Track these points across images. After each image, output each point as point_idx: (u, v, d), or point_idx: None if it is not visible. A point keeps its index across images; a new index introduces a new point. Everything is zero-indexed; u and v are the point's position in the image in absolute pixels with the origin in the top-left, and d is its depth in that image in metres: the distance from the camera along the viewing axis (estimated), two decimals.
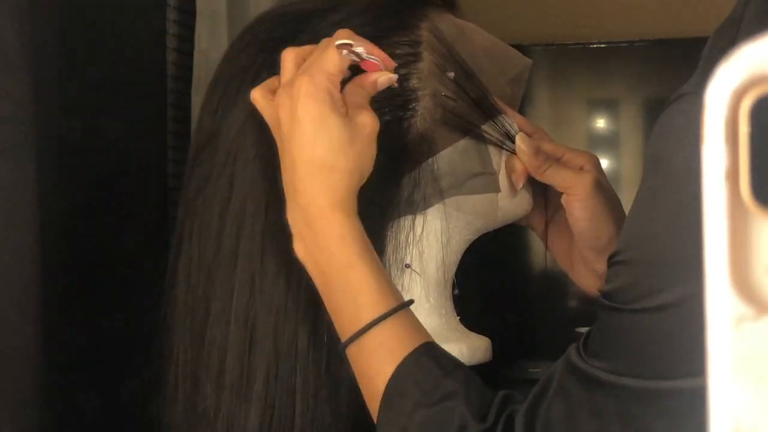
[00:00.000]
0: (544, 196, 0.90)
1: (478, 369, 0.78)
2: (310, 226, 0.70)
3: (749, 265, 0.27)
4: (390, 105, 0.79)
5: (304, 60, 0.73)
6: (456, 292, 0.87)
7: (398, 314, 0.70)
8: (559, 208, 0.87)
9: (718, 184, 0.27)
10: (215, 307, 0.78)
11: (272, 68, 0.78)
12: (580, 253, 0.87)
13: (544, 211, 0.90)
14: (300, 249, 0.72)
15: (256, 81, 0.78)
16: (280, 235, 0.75)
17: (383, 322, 0.69)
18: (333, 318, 0.72)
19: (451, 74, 0.82)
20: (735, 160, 0.27)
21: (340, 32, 0.73)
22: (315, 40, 0.78)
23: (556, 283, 2.51)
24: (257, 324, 0.76)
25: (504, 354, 0.91)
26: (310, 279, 0.73)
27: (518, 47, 0.91)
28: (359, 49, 0.72)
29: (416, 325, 0.72)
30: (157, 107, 1.58)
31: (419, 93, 0.80)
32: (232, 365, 0.77)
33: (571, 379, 0.65)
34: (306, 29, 0.80)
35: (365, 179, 0.73)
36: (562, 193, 0.85)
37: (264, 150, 0.76)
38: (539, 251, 2.52)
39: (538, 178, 0.84)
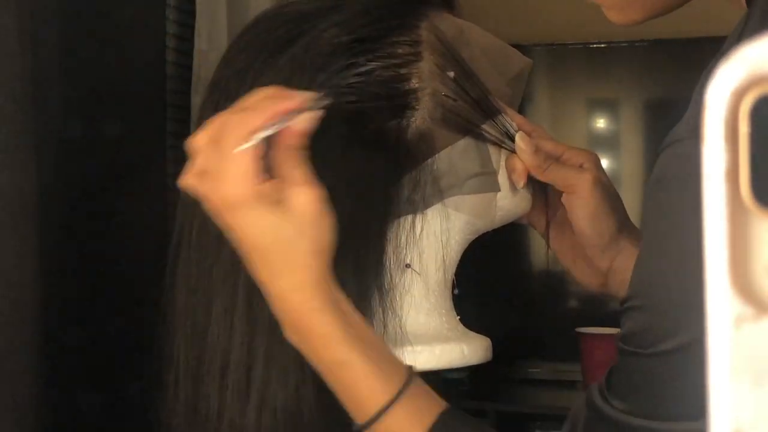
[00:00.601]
0: (545, 194, 0.90)
1: (479, 368, 0.78)
2: (290, 324, 0.68)
3: (749, 265, 0.27)
4: (390, 105, 0.79)
5: (218, 135, 0.66)
6: (456, 291, 0.87)
7: (406, 391, 0.68)
8: (560, 206, 0.87)
9: (718, 184, 0.27)
10: (216, 307, 0.78)
11: (272, 69, 0.78)
12: (582, 251, 0.87)
13: (546, 209, 0.90)
14: (290, 338, 0.69)
15: (255, 82, 0.78)
16: None
17: (391, 407, 0.67)
18: (343, 403, 0.69)
19: (451, 74, 0.82)
20: (735, 160, 0.27)
21: (233, 130, 0.65)
22: (315, 41, 0.78)
23: (556, 283, 2.51)
24: (258, 324, 0.76)
25: (504, 354, 0.92)
26: None
27: (518, 47, 0.91)
28: (264, 134, 0.64)
29: (426, 396, 0.71)
30: (157, 107, 1.58)
31: (419, 93, 0.80)
32: (235, 366, 0.77)
33: (598, 424, 0.66)
34: (306, 30, 0.80)
35: (330, 253, 0.68)
36: (563, 192, 0.85)
37: None
38: (539, 251, 2.52)
39: (538, 177, 0.84)
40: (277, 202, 0.66)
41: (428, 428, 0.68)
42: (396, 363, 0.71)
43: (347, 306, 0.69)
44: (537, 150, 0.83)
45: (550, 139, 0.88)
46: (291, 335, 0.69)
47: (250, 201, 0.65)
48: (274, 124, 0.65)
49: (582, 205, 0.84)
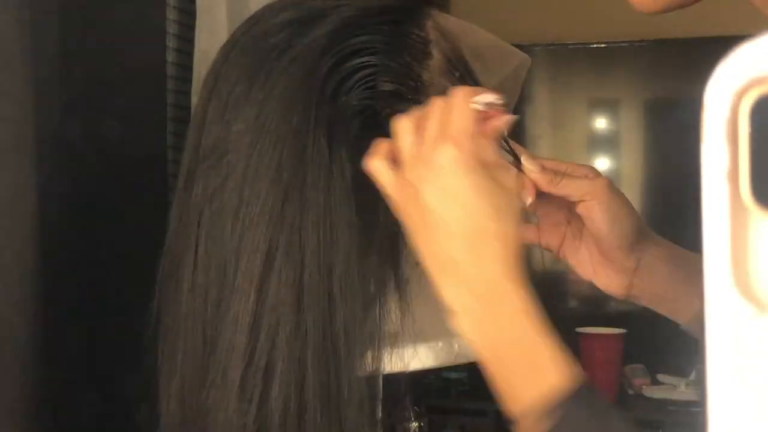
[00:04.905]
0: (554, 213, 0.91)
1: (479, 368, 0.78)
2: (482, 301, 0.67)
3: (749, 265, 0.27)
4: (405, 102, 0.79)
5: (424, 125, 0.70)
6: None
7: (585, 384, 0.66)
8: (572, 221, 0.88)
9: (718, 184, 0.27)
10: (221, 311, 0.78)
11: (280, 68, 0.78)
12: (606, 256, 0.87)
13: (559, 229, 0.91)
14: (466, 325, 0.68)
15: (266, 83, 0.78)
16: (287, 249, 0.75)
17: (575, 395, 0.65)
18: (507, 390, 0.67)
19: (457, 73, 0.82)
20: (735, 160, 0.27)
21: (464, 91, 0.71)
22: (323, 39, 0.78)
23: (556, 283, 2.51)
24: (261, 330, 0.76)
25: None
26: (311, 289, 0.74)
27: (518, 47, 0.91)
28: (491, 99, 0.70)
29: (592, 386, 0.68)
30: (157, 107, 1.58)
31: (430, 89, 0.81)
32: (237, 368, 0.77)
33: None
34: (314, 28, 0.80)
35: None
36: (577, 204, 0.86)
37: (279, 161, 0.77)
38: (539, 251, 2.51)
39: (551, 191, 0.85)
40: (491, 176, 0.68)
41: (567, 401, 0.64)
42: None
43: None
44: (543, 168, 0.84)
45: (549, 160, 0.89)
46: (474, 317, 0.68)
47: (475, 162, 0.67)
48: (494, 104, 0.71)
49: (603, 210, 0.85)
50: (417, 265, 0.81)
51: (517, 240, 0.68)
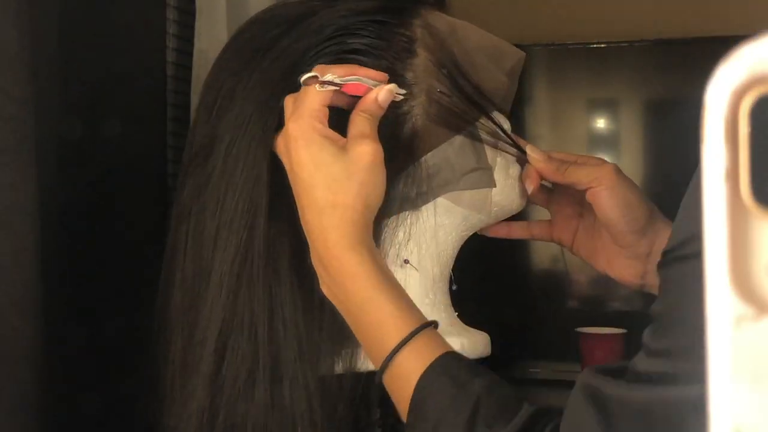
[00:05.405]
0: (565, 205, 0.91)
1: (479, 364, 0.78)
2: (325, 267, 0.71)
3: (749, 265, 0.27)
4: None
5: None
6: (454, 287, 0.87)
7: (421, 335, 0.70)
8: (584, 214, 0.88)
9: (718, 184, 0.27)
10: (207, 309, 0.78)
11: (263, 66, 0.79)
12: (619, 243, 0.87)
13: (571, 223, 0.91)
14: (324, 289, 0.73)
15: (249, 82, 0.78)
16: (270, 244, 0.76)
17: (406, 345, 0.69)
18: (365, 349, 0.73)
19: (445, 71, 0.82)
20: (735, 160, 0.27)
21: (317, 68, 0.74)
22: (304, 38, 0.78)
23: (556, 283, 2.51)
24: (231, 321, 0.77)
25: (504, 354, 0.92)
26: (301, 282, 0.75)
27: (518, 47, 0.92)
28: (328, 77, 0.72)
29: (437, 342, 0.72)
30: (157, 107, 1.58)
31: (414, 88, 0.81)
32: (231, 366, 0.77)
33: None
34: (298, 28, 0.80)
35: (375, 208, 0.73)
36: (585, 192, 0.86)
37: (253, 160, 0.77)
38: (539, 251, 2.52)
39: (558, 180, 0.85)
40: (341, 147, 0.71)
41: (426, 367, 0.69)
42: (417, 311, 0.73)
43: (379, 255, 0.73)
44: (549, 158, 0.85)
45: (556, 152, 0.89)
46: (325, 282, 0.72)
47: (312, 135, 0.70)
48: (349, 79, 0.73)
49: (611, 195, 0.85)
50: (405, 263, 0.81)
51: (355, 208, 0.71)
